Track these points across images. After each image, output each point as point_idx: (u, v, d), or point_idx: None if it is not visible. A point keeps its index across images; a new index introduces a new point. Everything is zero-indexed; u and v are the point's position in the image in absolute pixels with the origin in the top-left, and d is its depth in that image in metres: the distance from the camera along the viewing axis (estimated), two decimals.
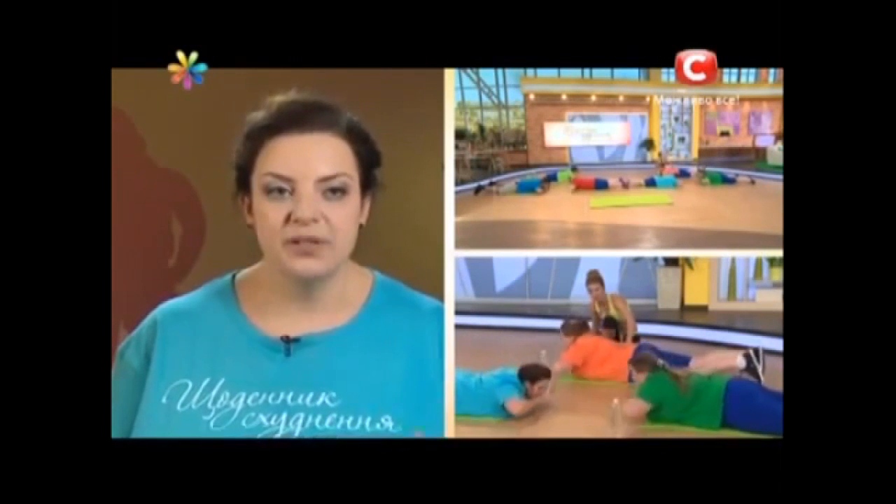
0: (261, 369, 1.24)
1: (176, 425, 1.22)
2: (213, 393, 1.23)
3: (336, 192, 1.22)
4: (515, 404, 1.53)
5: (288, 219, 1.20)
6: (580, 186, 1.59)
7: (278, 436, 1.21)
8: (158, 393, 1.24)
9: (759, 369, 1.55)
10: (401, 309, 1.31)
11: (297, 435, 1.21)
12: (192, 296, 1.32)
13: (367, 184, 1.28)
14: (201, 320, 1.28)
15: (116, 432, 1.26)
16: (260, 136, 1.23)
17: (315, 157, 1.22)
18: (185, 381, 1.24)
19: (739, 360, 1.56)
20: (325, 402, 1.22)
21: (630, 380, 1.57)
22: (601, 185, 1.59)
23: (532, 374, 1.56)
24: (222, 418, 1.22)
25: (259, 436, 1.21)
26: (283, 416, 1.22)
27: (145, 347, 1.28)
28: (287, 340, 1.25)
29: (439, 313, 1.30)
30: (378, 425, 1.22)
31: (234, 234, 1.32)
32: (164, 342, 1.27)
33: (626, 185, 1.59)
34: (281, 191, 1.21)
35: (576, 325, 1.68)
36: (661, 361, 1.54)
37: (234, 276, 1.33)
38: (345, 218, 1.23)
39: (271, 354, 1.25)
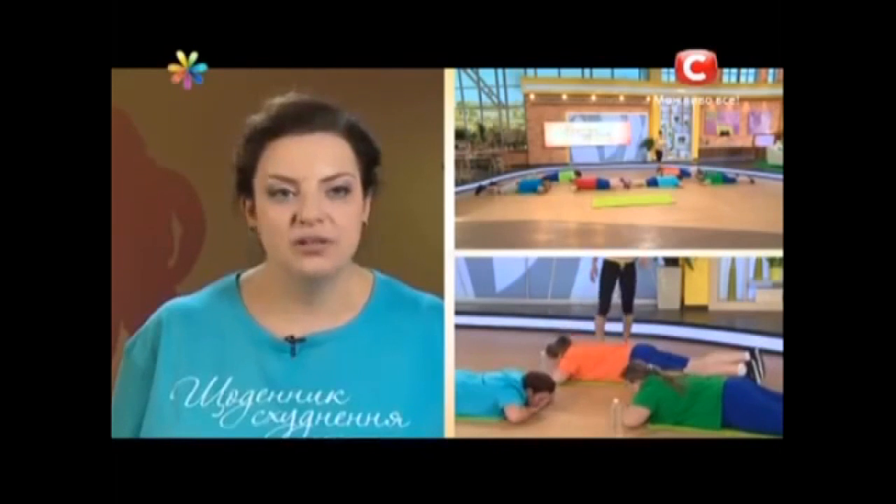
0: (267, 369, 1.25)
1: (185, 422, 1.23)
2: (222, 391, 1.24)
3: (339, 191, 1.23)
4: (514, 411, 1.52)
5: (293, 220, 1.20)
6: (581, 187, 1.59)
7: (288, 433, 1.22)
8: (166, 389, 1.25)
9: (759, 376, 1.55)
10: (401, 306, 1.32)
11: (307, 432, 1.22)
12: (198, 295, 1.33)
13: (368, 182, 1.28)
14: (207, 320, 1.29)
15: (125, 429, 1.27)
16: (261, 139, 1.24)
17: (317, 157, 1.22)
18: (191, 379, 1.25)
19: (741, 369, 1.56)
20: (333, 401, 1.24)
21: (623, 376, 1.56)
22: (603, 185, 1.59)
23: (536, 384, 1.56)
24: (232, 416, 1.23)
25: (269, 433, 1.22)
26: (293, 414, 1.23)
27: (151, 344, 1.28)
28: (292, 341, 1.26)
29: (438, 309, 1.31)
30: (387, 421, 1.23)
31: (234, 234, 1.32)
32: (169, 340, 1.27)
33: (627, 185, 1.59)
34: (285, 192, 1.21)
35: (557, 345, 1.68)
36: (650, 366, 1.54)
37: (238, 277, 1.33)
38: (349, 217, 1.23)
39: (277, 355, 1.26)
